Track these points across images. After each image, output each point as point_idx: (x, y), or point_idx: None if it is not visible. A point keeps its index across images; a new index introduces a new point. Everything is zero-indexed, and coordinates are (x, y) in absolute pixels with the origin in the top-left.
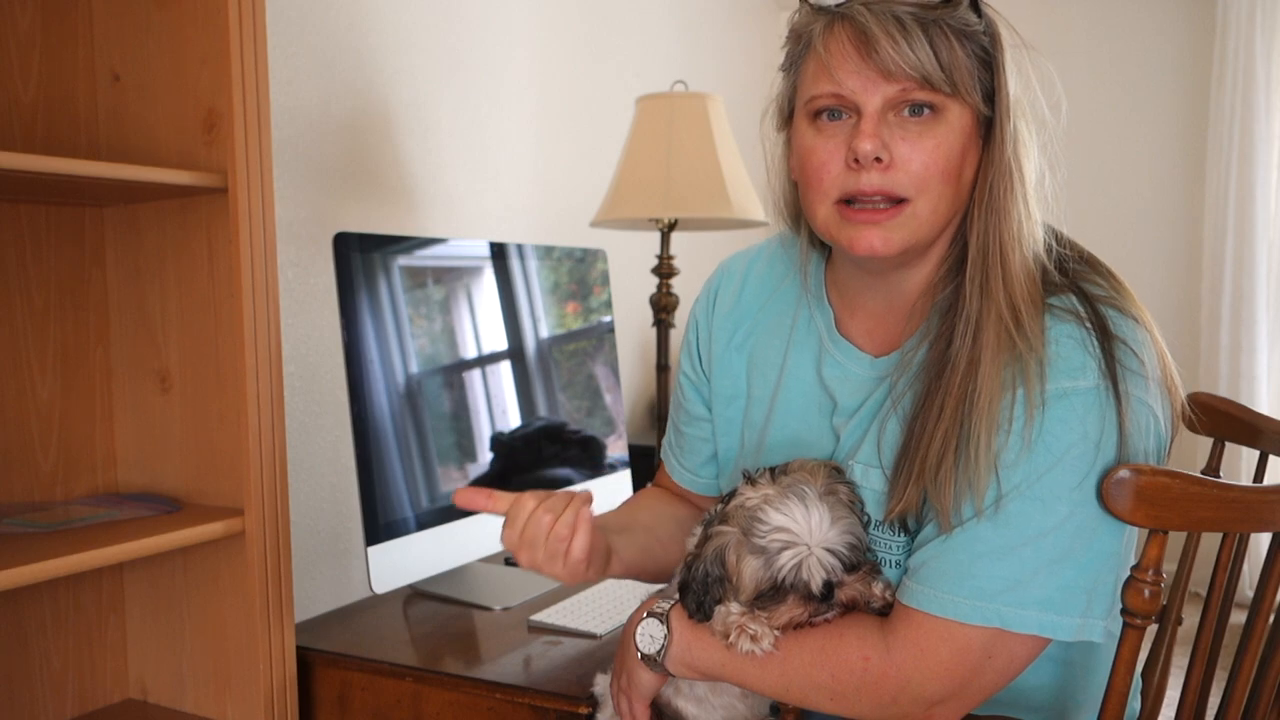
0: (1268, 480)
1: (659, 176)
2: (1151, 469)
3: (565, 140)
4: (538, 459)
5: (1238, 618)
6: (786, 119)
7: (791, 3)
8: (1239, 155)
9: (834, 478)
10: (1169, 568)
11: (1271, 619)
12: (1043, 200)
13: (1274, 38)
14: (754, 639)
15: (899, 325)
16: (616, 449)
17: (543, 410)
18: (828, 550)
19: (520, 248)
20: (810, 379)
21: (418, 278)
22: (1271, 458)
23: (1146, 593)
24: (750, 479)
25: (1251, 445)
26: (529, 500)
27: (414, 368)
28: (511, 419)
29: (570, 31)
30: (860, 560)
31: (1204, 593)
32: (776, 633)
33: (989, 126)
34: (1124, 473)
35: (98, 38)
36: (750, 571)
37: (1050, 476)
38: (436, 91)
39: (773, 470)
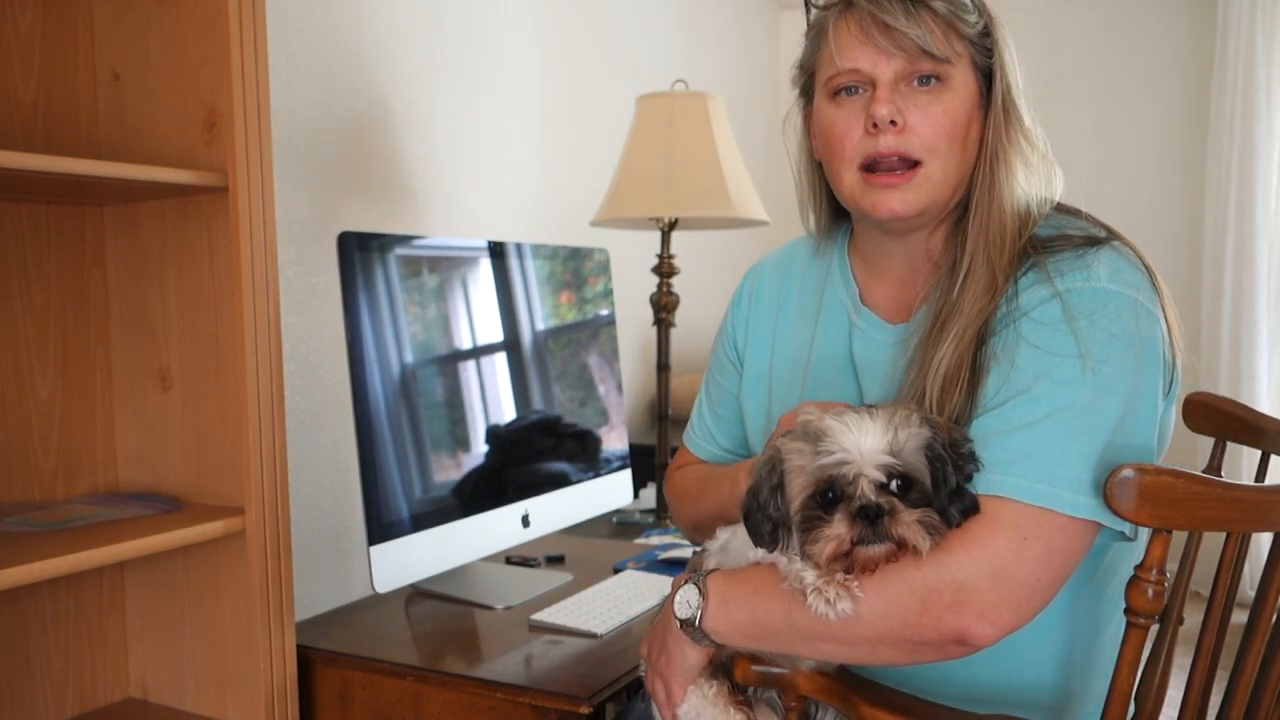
0: (1269, 480)
1: (659, 176)
2: (1155, 468)
3: (565, 140)
4: (533, 452)
5: (1238, 617)
6: (807, 106)
7: (792, 2)
8: (1239, 155)
9: (926, 417)
10: (1169, 567)
11: (1274, 619)
12: (1047, 159)
13: (1274, 38)
14: (829, 602)
15: (919, 288)
16: (611, 441)
17: (538, 404)
18: (882, 465)
19: (519, 246)
20: (841, 352)
21: (420, 277)
22: (1273, 457)
23: (1150, 592)
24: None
25: (1253, 445)
26: None
27: (416, 368)
28: (508, 413)
29: (570, 31)
30: (924, 499)
31: (1202, 591)
32: (860, 592)
33: (990, 92)
34: (1128, 472)
35: (98, 37)
36: (799, 477)
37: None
38: (436, 91)
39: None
